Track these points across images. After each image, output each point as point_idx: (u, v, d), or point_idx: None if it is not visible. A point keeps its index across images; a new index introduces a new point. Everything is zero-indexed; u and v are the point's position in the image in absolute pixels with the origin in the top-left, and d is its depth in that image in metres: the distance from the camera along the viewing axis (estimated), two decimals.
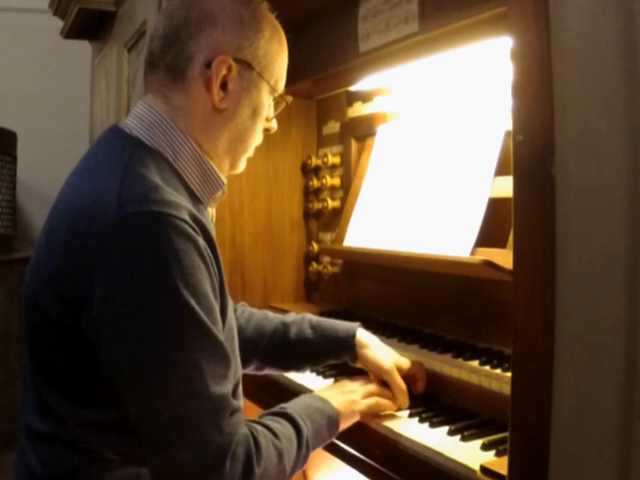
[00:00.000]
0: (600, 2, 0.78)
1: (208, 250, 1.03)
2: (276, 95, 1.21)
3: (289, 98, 1.25)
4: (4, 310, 3.47)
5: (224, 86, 1.12)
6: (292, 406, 1.17)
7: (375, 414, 1.29)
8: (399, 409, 1.32)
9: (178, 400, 0.94)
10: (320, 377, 1.57)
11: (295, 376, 1.60)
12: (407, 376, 1.36)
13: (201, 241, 1.00)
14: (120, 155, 1.04)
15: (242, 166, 1.24)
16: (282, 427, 1.10)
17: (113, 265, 0.94)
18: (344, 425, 1.23)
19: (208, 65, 1.10)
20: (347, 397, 1.26)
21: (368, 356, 1.36)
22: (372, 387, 1.32)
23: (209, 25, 1.10)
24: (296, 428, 1.11)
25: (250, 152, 1.23)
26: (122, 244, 0.94)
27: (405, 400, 1.32)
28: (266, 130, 1.24)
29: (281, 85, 1.23)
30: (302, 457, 1.11)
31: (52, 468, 1.05)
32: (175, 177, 1.08)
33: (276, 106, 1.24)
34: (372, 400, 1.28)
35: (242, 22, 1.13)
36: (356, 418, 1.26)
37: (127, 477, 1.06)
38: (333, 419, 1.19)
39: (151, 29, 1.18)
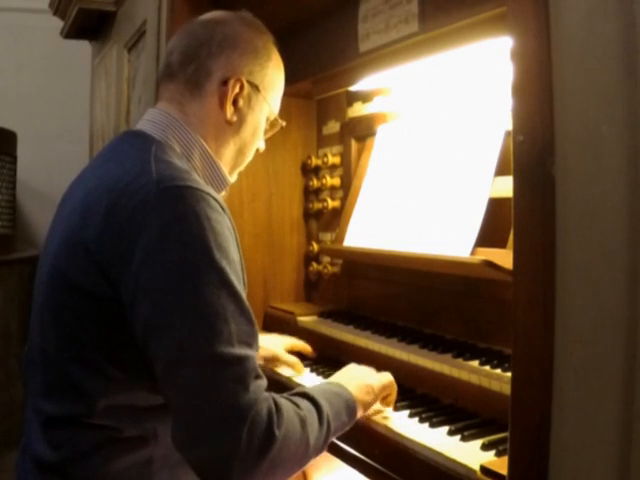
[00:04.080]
0: (600, 2, 0.79)
1: (232, 230, 1.10)
2: (271, 118, 1.35)
3: (283, 122, 1.38)
4: (4, 310, 3.47)
5: (235, 103, 1.25)
6: (308, 389, 1.17)
7: (375, 411, 1.29)
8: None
9: (205, 353, 0.96)
10: (320, 377, 1.58)
11: (295, 376, 1.60)
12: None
13: (228, 221, 1.09)
14: (144, 148, 1.13)
15: (234, 178, 1.37)
16: (301, 401, 1.10)
17: (153, 229, 1.00)
18: (361, 412, 1.23)
19: (224, 82, 1.23)
20: (362, 383, 1.26)
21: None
22: (385, 375, 1.32)
23: (229, 47, 1.24)
24: (315, 405, 1.11)
25: (243, 167, 1.37)
26: (161, 211, 1.01)
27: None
28: (255, 150, 1.37)
29: (277, 109, 1.36)
30: (324, 434, 1.10)
31: (64, 452, 1.07)
32: (192, 170, 1.16)
33: (270, 128, 1.37)
34: (386, 380, 1.30)
35: (256, 50, 1.27)
36: (373, 405, 1.26)
37: (139, 461, 1.08)
38: (351, 404, 1.19)
39: (170, 44, 1.29)
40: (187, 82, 1.23)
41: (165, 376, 0.99)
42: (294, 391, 1.15)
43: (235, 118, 1.25)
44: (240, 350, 0.98)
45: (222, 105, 1.23)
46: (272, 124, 1.36)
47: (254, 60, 1.26)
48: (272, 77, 1.31)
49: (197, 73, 1.22)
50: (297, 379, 1.58)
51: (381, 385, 1.28)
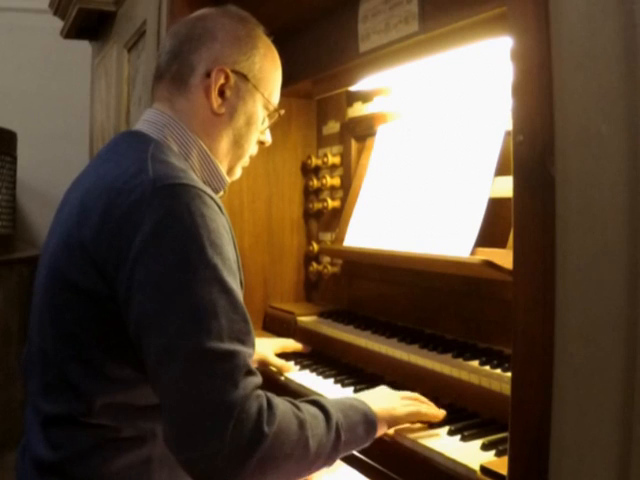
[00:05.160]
0: (600, 2, 0.78)
1: (228, 229, 1.09)
2: (270, 108, 1.32)
3: (282, 111, 1.35)
4: (4, 310, 3.46)
5: (222, 94, 1.23)
6: (321, 398, 1.14)
7: (410, 425, 1.23)
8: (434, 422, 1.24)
9: (194, 348, 0.95)
10: (320, 377, 1.58)
11: (295, 376, 1.61)
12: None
13: (224, 219, 1.09)
14: (142, 148, 1.13)
15: (238, 173, 1.35)
16: (306, 406, 1.07)
17: (147, 226, 1.00)
18: (382, 429, 1.18)
19: (208, 74, 1.22)
20: (385, 401, 1.22)
21: None
22: (413, 395, 1.28)
23: (209, 40, 1.23)
24: (324, 411, 1.08)
25: (245, 160, 1.34)
26: (156, 208, 1.01)
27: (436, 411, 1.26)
28: (261, 143, 1.36)
29: (275, 99, 1.34)
30: (331, 441, 1.06)
31: (63, 451, 1.07)
32: (189, 170, 1.16)
33: (269, 119, 1.34)
34: (413, 408, 1.23)
35: (239, 39, 1.26)
36: (395, 425, 1.21)
37: (138, 460, 1.09)
38: (369, 418, 1.15)
39: (160, 47, 1.31)
40: (173, 79, 1.24)
41: (155, 373, 0.98)
42: (304, 399, 1.13)
43: (223, 109, 1.24)
44: (230, 346, 0.97)
45: (208, 97, 1.22)
46: (271, 114, 1.34)
47: (238, 49, 1.25)
48: (262, 65, 1.28)
49: (181, 69, 1.23)
50: (295, 376, 1.58)
51: (407, 412, 1.22)
